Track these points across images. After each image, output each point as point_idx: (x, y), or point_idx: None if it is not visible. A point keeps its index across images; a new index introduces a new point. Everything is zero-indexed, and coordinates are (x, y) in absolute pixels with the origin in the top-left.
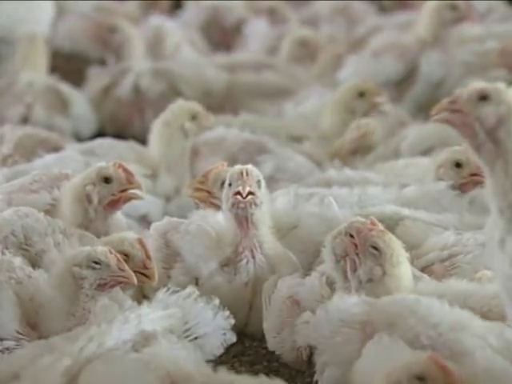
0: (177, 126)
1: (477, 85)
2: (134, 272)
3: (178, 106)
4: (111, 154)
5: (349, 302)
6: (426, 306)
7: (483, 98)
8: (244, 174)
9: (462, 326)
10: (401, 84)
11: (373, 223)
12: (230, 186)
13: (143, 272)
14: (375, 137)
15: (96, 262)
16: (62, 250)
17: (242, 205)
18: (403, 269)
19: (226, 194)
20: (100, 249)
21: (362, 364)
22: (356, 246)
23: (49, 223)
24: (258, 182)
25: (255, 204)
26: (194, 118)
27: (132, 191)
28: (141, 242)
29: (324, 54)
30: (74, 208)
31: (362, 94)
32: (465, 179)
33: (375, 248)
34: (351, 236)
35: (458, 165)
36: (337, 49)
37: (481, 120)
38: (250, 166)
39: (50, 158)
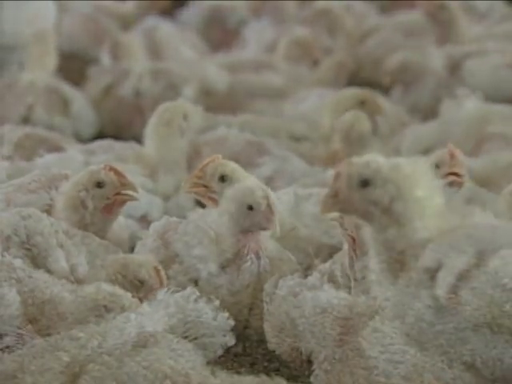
0: (172, 125)
1: (349, 169)
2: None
3: (173, 105)
4: (111, 154)
5: (334, 294)
6: None
7: (365, 184)
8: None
9: None
10: None
11: None
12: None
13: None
14: (364, 127)
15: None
16: (65, 250)
17: None
18: None
19: None
20: None
21: None
22: (354, 240)
23: (51, 224)
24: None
25: None
26: (185, 117)
27: (126, 193)
28: (157, 270)
29: (327, 61)
30: (69, 214)
31: (362, 103)
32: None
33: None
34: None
35: (437, 166)
36: (339, 56)
37: (374, 203)
38: (271, 195)
39: (50, 157)
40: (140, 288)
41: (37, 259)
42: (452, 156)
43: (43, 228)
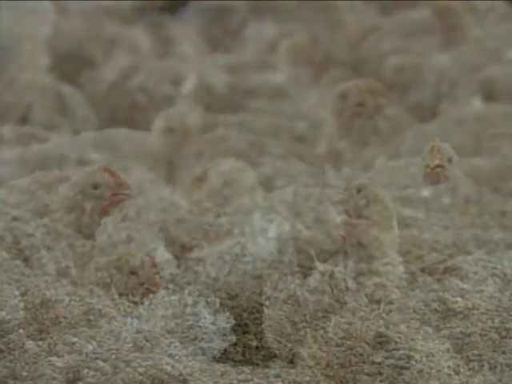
0: (178, 126)
1: None
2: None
3: (179, 106)
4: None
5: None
6: None
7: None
8: None
9: None
10: None
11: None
12: None
13: (150, 289)
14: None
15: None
16: (51, 252)
17: None
18: (390, 265)
19: None
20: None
21: None
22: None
23: (37, 226)
24: None
25: None
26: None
27: (122, 192)
28: (151, 258)
29: (329, 74)
30: (63, 215)
31: (368, 94)
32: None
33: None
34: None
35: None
36: (341, 71)
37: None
38: None
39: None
40: (137, 283)
41: (26, 263)
42: (432, 149)
43: (29, 231)
